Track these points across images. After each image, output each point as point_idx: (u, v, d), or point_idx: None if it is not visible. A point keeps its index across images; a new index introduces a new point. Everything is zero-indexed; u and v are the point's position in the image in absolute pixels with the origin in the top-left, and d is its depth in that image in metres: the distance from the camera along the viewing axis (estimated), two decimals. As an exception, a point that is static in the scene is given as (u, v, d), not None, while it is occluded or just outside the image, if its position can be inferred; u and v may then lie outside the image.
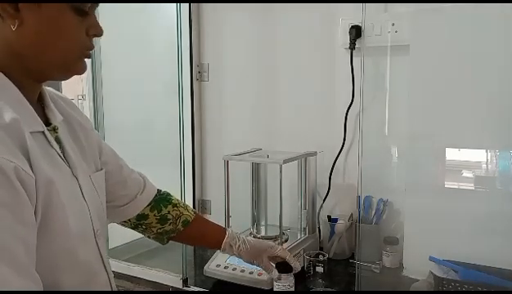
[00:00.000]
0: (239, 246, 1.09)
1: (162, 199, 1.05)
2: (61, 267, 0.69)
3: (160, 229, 1.05)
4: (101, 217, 0.83)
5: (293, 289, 1.15)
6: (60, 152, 0.73)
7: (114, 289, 0.84)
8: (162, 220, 1.04)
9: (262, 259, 1.10)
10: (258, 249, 1.10)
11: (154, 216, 1.04)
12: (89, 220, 0.76)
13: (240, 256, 1.11)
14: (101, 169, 0.87)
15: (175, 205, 1.07)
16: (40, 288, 0.61)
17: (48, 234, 0.66)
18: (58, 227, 0.68)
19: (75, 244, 0.71)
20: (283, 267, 1.12)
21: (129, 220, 1.03)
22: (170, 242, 1.09)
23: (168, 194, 1.09)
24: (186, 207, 1.09)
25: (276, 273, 1.12)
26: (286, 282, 1.14)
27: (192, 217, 1.08)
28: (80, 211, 0.74)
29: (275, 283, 1.15)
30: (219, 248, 1.11)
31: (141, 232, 1.07)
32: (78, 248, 0.72)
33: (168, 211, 1.05)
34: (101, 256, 0.80)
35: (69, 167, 0.74)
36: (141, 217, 1.03)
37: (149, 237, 1.08)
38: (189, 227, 1.07)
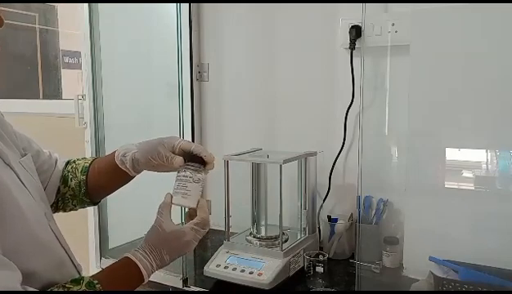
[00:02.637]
0: (132, 153, 0.97)
1: (64, 165, 1.03)
2: (28, 253, 0.72)
3: (69, 190, 1.00)
4: (44, 199, 0.87)
5: (202, 185, 0.94)
6: None
7: (81, 272, 0.88)
8: (65, 180, 1.01)
9: (158, 150, 0.94)
10: (154, 143, 0.95)
11: (60, 181, 1.01)
12: (35, 204, 0.79)
13: (139, 165, 0.98)
14: (26, 154, 0.87)
15: (72, 162, 1.04)
16: (17, 271, 0.65)
17: (7, 224, 0.68)
18: (14, 214, 0.70)
19: (33, 227, 0.74)
20: (192, 158, 0.94)
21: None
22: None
23: (70, 159, 1.05)
24: (83, 158, 1.06)
25: (179, 160, 0.93)
26: (193, 175, 0.93)
27: (89, 162, 1.03)
28: (25, 195, 0.76)
29: (177, 178, 0.94)
30: (127, 176, 1.01)
31: (62, 207, 1.03)
32: (37, 231, 0.75)
33: (68, 171, 1.02)
34: (57, 238, 0.83)
35: None
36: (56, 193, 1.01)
37: (75, 206, 1.03)
38: (90, 172, 1.01)
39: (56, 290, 0.73)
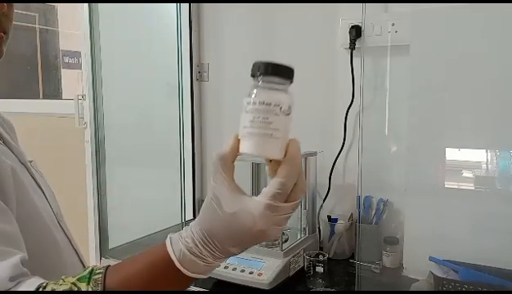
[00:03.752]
0: None
1: None
2: (44, 253, 0.70)
3: None
4: (55, 200, 0.83)
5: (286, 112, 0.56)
6: (1, 142, 0.72)
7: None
8: None
9: None
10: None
11: None
12: (48, 204, 0.77)
13: None
14: (31, 160, 0.83)
15: None
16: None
17: (27, 222, 0.65)
18: (32, 213, 0.68)
19: (51, 228, 0.72)
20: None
21: None
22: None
23: None
24: None
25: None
26: (283, 98, 0.56)
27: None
28: (39, 195, 0.75)
29: (247, 108, 0.57)
30: None
31: None
32: (54, 232, 0.73)
33: None
34: (68, 239, 0.80)
35: (14, 154, 0.73)
36: None
37: None
38: None
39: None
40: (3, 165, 0.64)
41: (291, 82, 0.57)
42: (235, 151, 0.56)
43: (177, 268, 0.53)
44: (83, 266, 0.84)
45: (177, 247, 0.53)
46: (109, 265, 0.55)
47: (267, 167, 0.57)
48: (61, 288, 0.52)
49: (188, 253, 0.53)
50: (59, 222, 0.79)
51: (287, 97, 0.56)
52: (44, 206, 0.75)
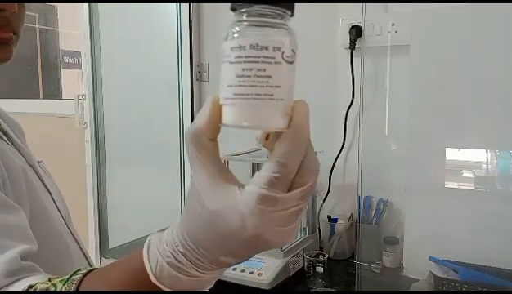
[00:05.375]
0: None
1: None
2: (55, 255, 0.69)
3: None
4: (64, 203, 0.83)
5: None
6: (9, 143, 0.72)
7: None
8: None
9: None
10: None
11: None
12: (56, 207, 0.77)
13: None
14: (40, 161, 0.82)
15: None
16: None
17: (39, 222, 0.65)
18: (44, 218, 0.68)
19: (61, 232, 0.72)
20: None
21: None
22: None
23: None
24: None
25: None
26: (281, 38, 0.37)
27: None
28: (47, 198, 0.74)
29: (229, 57, 0.44)
30: None
31: None
32: (65, 237, 0.73)
33: None
34: (77, 242, 0.79)
35: (22, 156, 0.73)
36: None
37: None
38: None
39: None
40: (15, 166, 0.64)
41: (292, 14, 0.38)
42: (214, 123, 0.41)
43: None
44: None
45: (153, 256, 0.42)
46: (94, 268, 0.49)
47: (262, 147, 0.41)
48: (40, 287, 0.48)
49: (166, 266, 0.41)
50: (68, 226, 0.79)
51: (288, 36, 0.37)
52: (52, 209, 0.75)
